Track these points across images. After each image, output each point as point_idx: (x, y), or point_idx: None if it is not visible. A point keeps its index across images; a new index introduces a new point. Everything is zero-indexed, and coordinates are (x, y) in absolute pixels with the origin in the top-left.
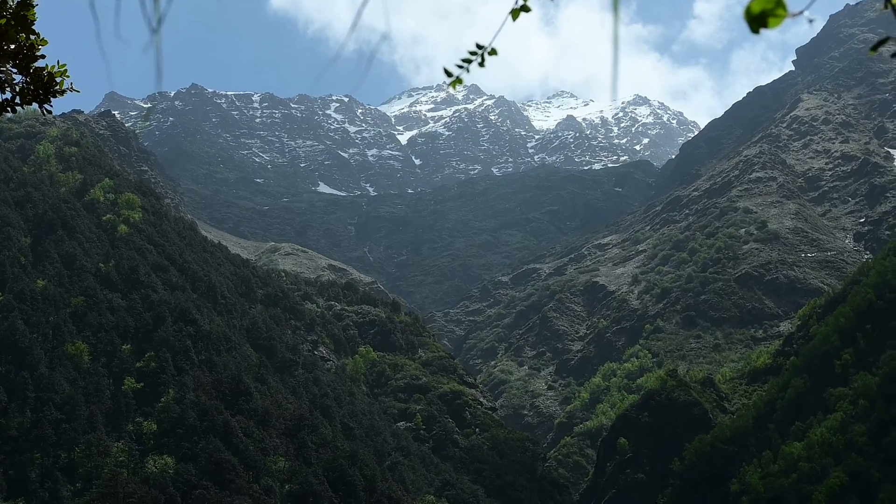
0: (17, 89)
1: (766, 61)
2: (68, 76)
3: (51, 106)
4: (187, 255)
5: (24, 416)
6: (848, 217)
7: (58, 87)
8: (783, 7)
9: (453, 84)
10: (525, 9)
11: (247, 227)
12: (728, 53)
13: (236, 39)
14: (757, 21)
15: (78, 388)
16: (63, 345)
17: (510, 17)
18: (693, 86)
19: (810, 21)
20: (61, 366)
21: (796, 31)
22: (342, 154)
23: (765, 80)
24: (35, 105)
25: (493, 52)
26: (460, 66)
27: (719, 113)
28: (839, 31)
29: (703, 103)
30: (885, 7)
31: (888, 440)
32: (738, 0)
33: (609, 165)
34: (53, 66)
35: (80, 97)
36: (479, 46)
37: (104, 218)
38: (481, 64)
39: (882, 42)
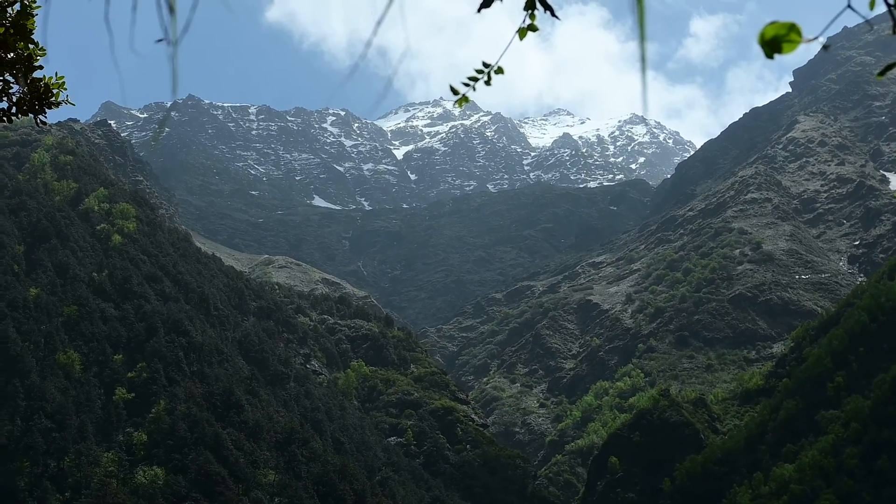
0: (14, 99)
1: (761, 80)
2: (65, 88)
3: (45, 116)
4: (181, 266)
5: (13, 424)
6: (843, 240)
7: (54, 98)
8: (797, 33)
9: (460, 102)
10: (533, 28)
11: (241, 240)
12: (724, 72)
13: (232, 52)
14: (771, 46)
15: (69, 398)
16: (55, 354)
17: (517, 36)
18: (688, 104)
19: (825, 47)
20: (53, 375)
21: (793, 52)
22: (338, 168)
23: (760, 99)
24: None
25: (499, 70)
26: (467, 84)
27: (714, 131)
28: (836, 54)
29: (697, 122)
30: (894, 32)
31: (879, 464)
32: (734, 19)
33: (605, 184)
34: (51, 77)
35: (75, 106)
36: (485, 65)
37: (98, 227)
38: (487, 82)
39: (890, 67)
